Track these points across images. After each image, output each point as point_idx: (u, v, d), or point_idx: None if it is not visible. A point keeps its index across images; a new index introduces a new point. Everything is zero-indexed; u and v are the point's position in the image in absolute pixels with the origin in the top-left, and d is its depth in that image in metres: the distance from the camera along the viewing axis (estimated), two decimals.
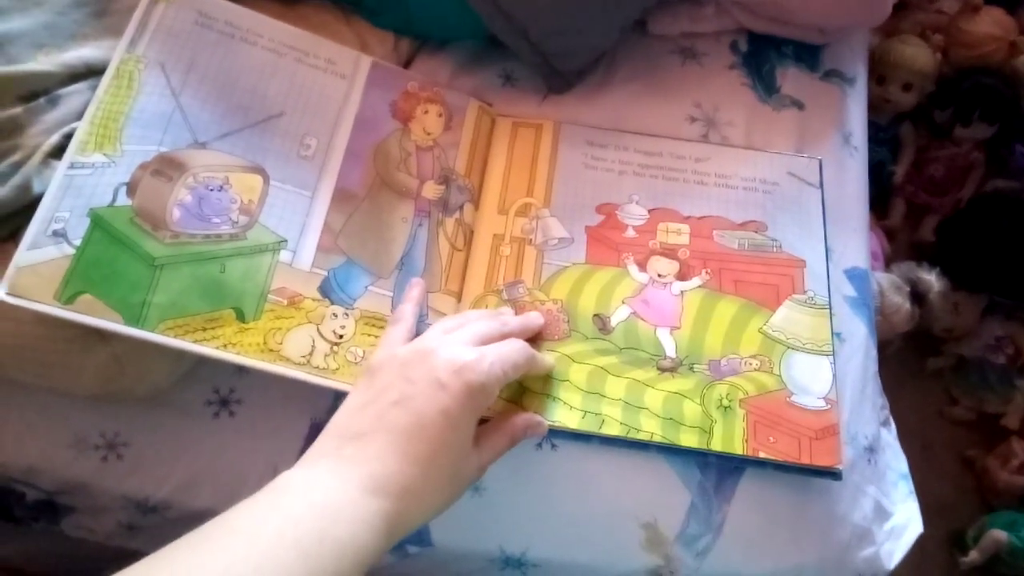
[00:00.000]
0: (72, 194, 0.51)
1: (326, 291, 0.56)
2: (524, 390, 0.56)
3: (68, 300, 0.49)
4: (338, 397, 0.51)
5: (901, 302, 1.01)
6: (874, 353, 0.67)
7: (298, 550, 0.37)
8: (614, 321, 0.60)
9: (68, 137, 0.53)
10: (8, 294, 0.48)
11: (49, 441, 0.57)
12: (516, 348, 0.50)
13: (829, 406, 0.57)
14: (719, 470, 0.57)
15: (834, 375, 0.59)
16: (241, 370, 0.57)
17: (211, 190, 0.55)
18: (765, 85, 0.74)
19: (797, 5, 0.72)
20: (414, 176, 0.62)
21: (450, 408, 0.45)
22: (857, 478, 0.60)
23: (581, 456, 0.57)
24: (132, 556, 0.37)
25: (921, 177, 1.26)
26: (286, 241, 0.56)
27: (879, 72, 1.18)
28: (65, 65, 0.56)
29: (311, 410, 0.58)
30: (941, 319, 1.13)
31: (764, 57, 0.75)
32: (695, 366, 0.58)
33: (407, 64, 0.70)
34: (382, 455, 0.43)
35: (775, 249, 0.64)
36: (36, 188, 0.53)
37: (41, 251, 0.50)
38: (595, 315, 0.60)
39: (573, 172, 0.66)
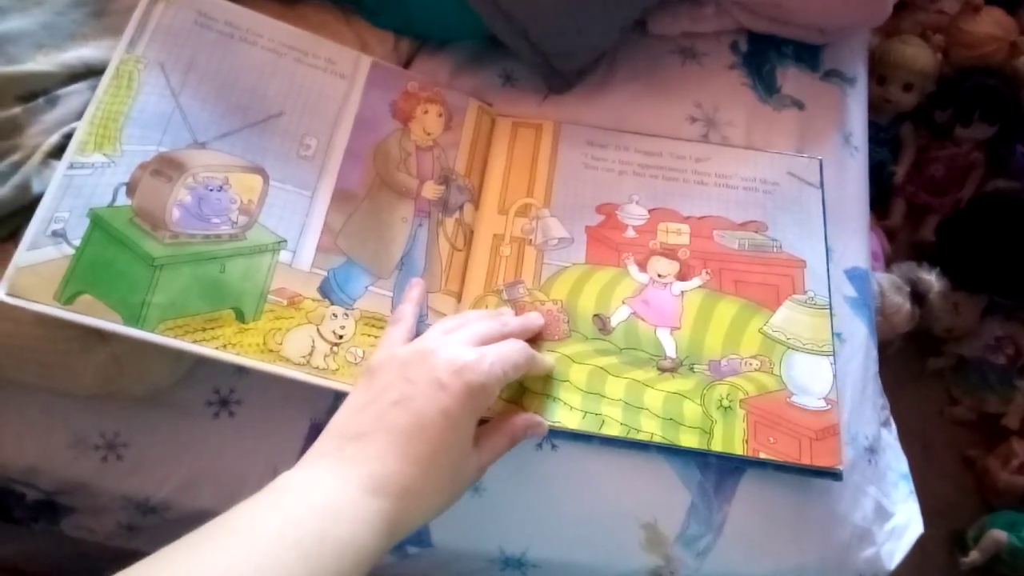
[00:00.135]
0: (72, 194, 0.51)
1: (326, 291, 0.56)
2: (524, 390, 0.55)
3: (68, 300, 0.49)
4: (338, 397, 0.51)
5: (901, 302, 1.01)
6: (874, 353, 0.67)
7: (299, 550, 0.37)
8: (614, 321, 0.60)
9: (68, 137, 0.53)
10: (8, 294, 0.48)
11: (49, 441, 0.57)
12: (516, 348, 0.50)
13: (829, 406, 0.57)
14: (719, 470, 0.57)
15: (834, 375, 0.59)
16: (241, 370, 0.57)
17: (211, 190, 0.55)
18: (765, 85, 0.74)
19: (797, 5, 0.72)
20: (414, 176, 0.62)
21: (450, 408, 0.45)
22: (857, 478, 0.60)
23: (581, 456, 0.57)
24: (132, 556, 0.37)
25: (921, 177, 1.25)
26: (286, 241, 0.56)
27: (880, 72, 1.18)
28: (64, 65, 0.56)
29: (311, 410, 0.58)
30: (941, 319, 1.13)
31: (764, 57, 0.75)
32: (695, 366, 0.58)
33: (407, 64, 0.70)
34: (382, 455, 0.43)
35: (775, 249, 0.64)
36: (36, 188, 0.53)
37: (41, 251, 0.50)
38: (595, 315, 0.60)
39: (573, 172, 0.66)
